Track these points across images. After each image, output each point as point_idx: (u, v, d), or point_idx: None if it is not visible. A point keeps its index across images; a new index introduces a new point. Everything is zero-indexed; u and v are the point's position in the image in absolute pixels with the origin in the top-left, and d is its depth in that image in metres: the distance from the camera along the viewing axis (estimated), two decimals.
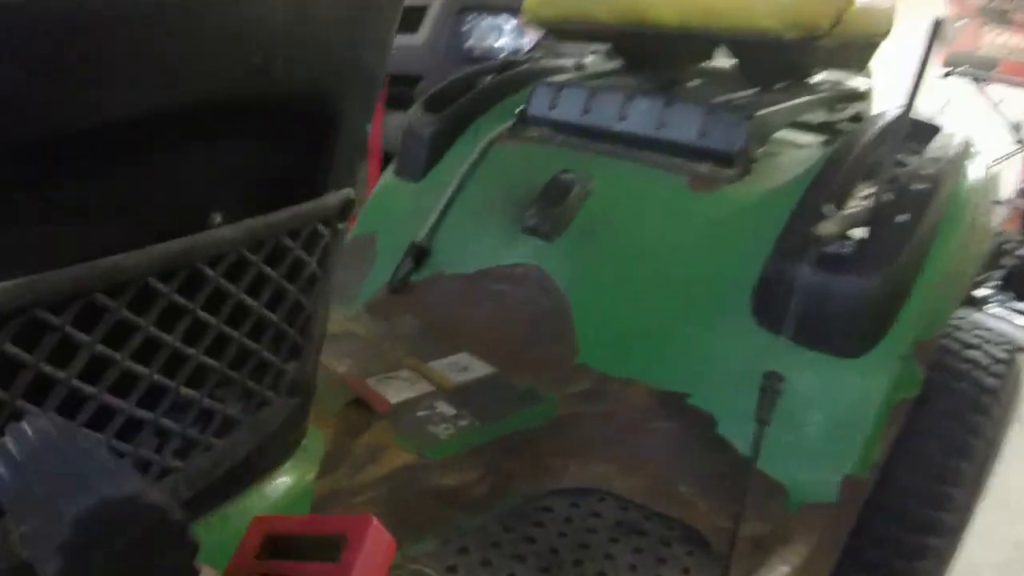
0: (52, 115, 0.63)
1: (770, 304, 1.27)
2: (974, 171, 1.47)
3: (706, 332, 1.33)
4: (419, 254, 1.64)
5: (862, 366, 1.24)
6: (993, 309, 4.46)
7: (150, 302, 0.75)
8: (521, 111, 1.78)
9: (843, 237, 1.26)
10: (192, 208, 0.79)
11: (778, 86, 1.70)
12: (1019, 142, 4.47)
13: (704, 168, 1.51)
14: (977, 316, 1.64)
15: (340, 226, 0.96)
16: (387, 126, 3.90)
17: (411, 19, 4.17)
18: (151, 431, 0.84)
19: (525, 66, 1.99)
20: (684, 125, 1.55)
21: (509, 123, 1.78)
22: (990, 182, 1.52)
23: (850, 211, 1.28)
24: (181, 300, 0.78)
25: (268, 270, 0.87)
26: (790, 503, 1.19)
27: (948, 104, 4.66)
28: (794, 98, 1.65)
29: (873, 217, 1.28)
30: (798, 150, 1.61)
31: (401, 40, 4.09)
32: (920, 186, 1.32)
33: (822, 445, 1.22)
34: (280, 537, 0.76)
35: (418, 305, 1.55)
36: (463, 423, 1.22)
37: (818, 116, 1.72)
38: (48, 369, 0.70)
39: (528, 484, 1.17)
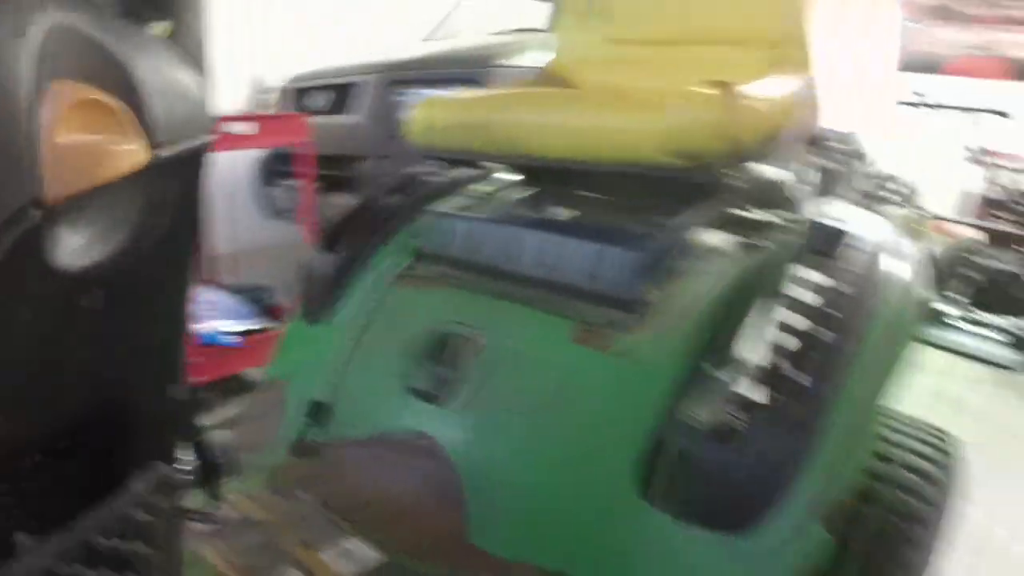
0: None
1: (655, 478, 1.23)
2: (894, 272, 1.42)
3: (591, 508, 1.28)
4: (319, 411, 1.60)
5: (755, 545, 1.17)
6: (962, 325, 4.47)
7: None
8: (416, 248, 1.74)
9: (731, 401, 1.22)
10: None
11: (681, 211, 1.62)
12: (970, 157, 4.48)
13: (597, 314, 1.45)
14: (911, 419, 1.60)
15: (164, 504, 0.93)
16: (327, 209, 3.88)
17: (338, 99, 4.15)
18: None
19: (428, 186, 1.94)
20: (575, 265, 1.49)
21: (406, 261, 1.74)
22: (913, 286, 1.47)
23: (740, 379, 1.23)
24: None
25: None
26: None
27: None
28: (695, 214, 1.57)
29: (768, 373, 1.23)
30: (700, 296, 1.49)
31: (336, 121, 4.07)
32: (825, 335, 1.26)
33: None
34: None
35: (317, 475, 1.52)
36: None
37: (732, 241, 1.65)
38: None
39: None
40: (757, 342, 1.29)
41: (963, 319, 4.57)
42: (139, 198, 0.81)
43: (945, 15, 9.47)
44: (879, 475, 1.43)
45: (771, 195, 1.72)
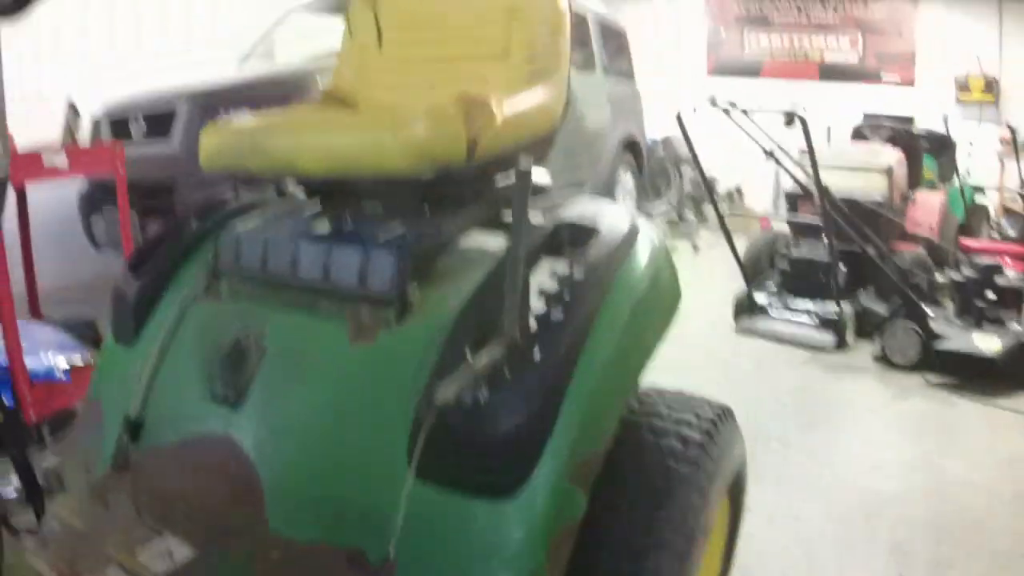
0: None
1: (419, 452, 1.35)
2: (641, 256, 1.61)
3: (372, 485, 1.42)
4: (132, 426, 1.70)
5: (512, 507, 1.32)
6: (774, 312, 4.82)
7: None
8: (212, 264, 1.84)
9: (477, 379, 1.34)
10: None
11: (450, 199, 1.79)
12: (768, 153, 4.81)
13: (367, 313, 1.59)
14: (678, 393, 1.77)
15: None
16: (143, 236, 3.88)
17: (153, 126, 4.15)
18: None
19: (224, 209, 2.04)
20: (346, 269, 1.62)
21: (203, 278, 1.84)
22: (659, 270, 1.66)
23: (483, 358, 1.36)
24: None
25: None
26: None
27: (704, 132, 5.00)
28: (458, 217, 1.76)
29: (509, 353, 1.37)
30: (459, 288, 1.62)
31: (156, 148, 4.07)
32: (559, 313, 1.42)
33: None
34: None
35: (134, 485, 1.62)
36: None
37: (497, 234, 1.83)
38: None
39: None
40: (507, 326, 1.41)
41: (779, 307, 4.90)
42: None
43: (763, 24, 10.12)
44: (639, 441, 1.59)
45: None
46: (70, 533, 1.53)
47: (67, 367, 3.03)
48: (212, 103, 3.91)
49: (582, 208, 1.79)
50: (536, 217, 1.76)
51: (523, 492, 1.33)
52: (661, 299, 1.70)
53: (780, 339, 4.70)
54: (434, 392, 1.33)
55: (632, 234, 1.69)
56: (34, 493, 1.56)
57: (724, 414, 1.73)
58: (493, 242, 1.82)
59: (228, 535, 1.47)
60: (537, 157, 1.89)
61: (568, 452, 1.36)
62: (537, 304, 1.46)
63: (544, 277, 1.55)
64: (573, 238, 1.67)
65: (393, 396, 1.47)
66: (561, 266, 1.56)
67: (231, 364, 1.63)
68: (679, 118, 4.78)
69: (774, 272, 5.21)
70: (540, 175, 1.99)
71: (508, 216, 1.87)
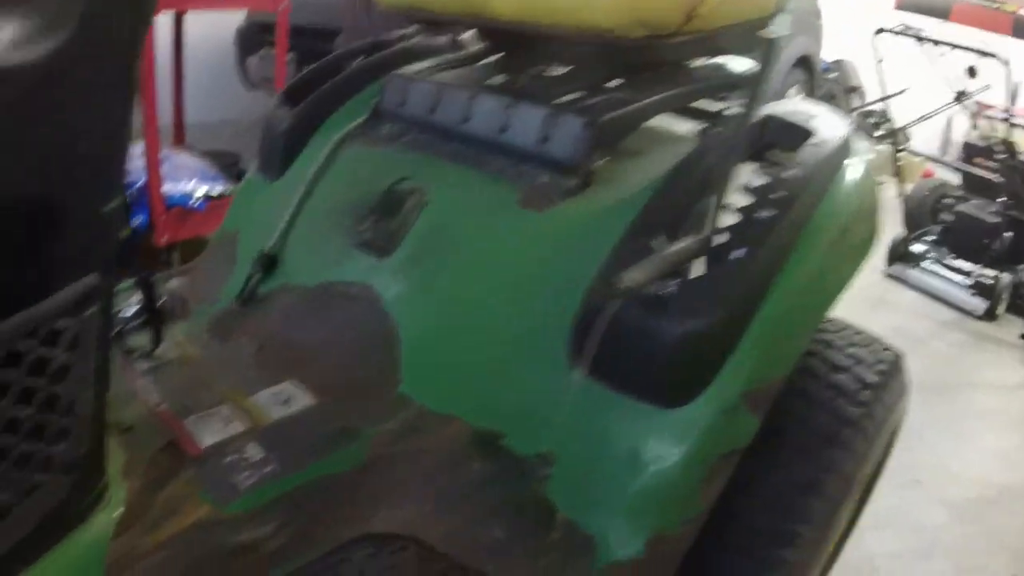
0: None
1: (586, 345, 1.23)
2: (850, 179, 1.41)
3: (524, 369, 1.29)
4: (268, 263, 1.61)
5: (680, 418, 1.19)
6: (928, 265, 4.51)
7: None
8: (375, 105, 1.72)
9: (665, 276, 1.20)
10: None
11: (646, 76, 1.62)
12: (958, 96, 4.43)
13: (543, 179, 1.44)
14: (854, 328, 1.59)
15: (89, 313, 0.93)
16: None
17: None
18: None
19: (393, 49, 1.92)
20: (526, 129, 1.48)
21: (362, 118, 1.72)
22: (866, 186, 1.46)
23: (676, 248, 1.22)
24: None
25: (5, 376, 0.84)
26: (596, 560, 1.18)
27: (882, 61, 4.63)
28: (654, 94, 1.56)
29: (703, 249, 1.22)
30: (659, 151, 1.51)
31: None
32: (765, 212, 1.26)
33: (632, 500, 1.19)
34: None
35: (259, 322, 1.52)
36: (268, 469, 1.19)
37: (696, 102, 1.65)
38: None
39: (330, 532, 1.17)
40: (700, 220, 1.28)
41: (935, 260, 4.60)
42: None
43: None
44: (813, 371, 1.44)
45: (730, 83, 1.72)
46: (185, 363, 1.44)
47: (204, 196, 3.00)
48: None
49: (794, 107, 1.58)
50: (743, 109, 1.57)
51: (694, 405, 1.20)
52: (862, 229, 1.48)
53: (928, 293, 4.49)
54: (614, 276, 1.18)
55: (847, 147, 1.48)
56: (154, 316, 1.48)
57: (898, 361, 1.54)
58: (687, 127, 1.63)
59: (353, 390, 1.36)
60: (748, 46, 1.69)
61: (749, 372, 1.22)
62: (742, 201, 1.28)
63: (750, 174, 1.37)
64: (784, 137, 1.48)
65: (561, 273, 1.32)
66: (770, 165, 1.38)
67: (385, 212, 1.50)
68: (879, 33, 4.43)
69: (935, 224, 4.87)
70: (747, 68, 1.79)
71: (706, 104, 1.69)
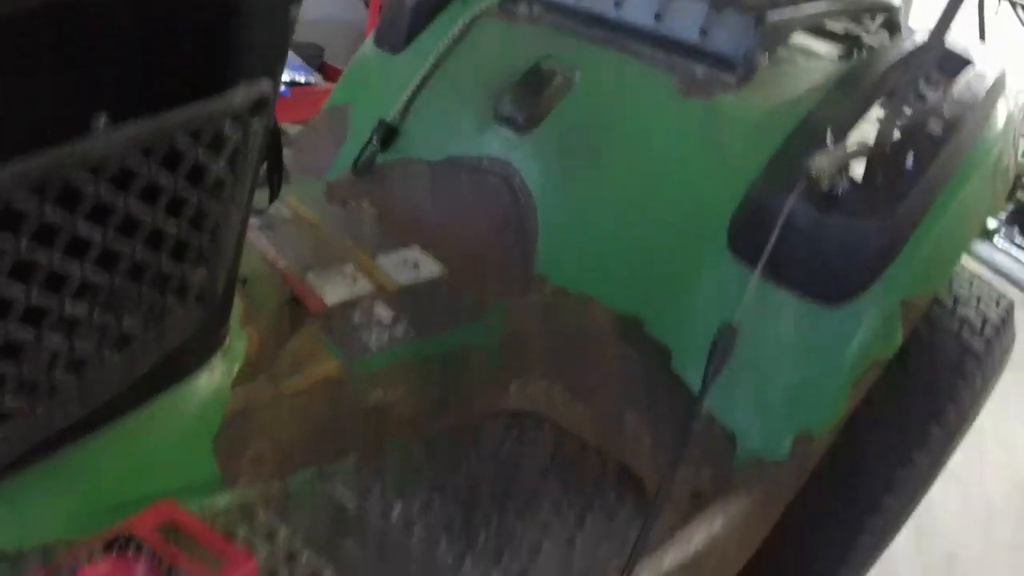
0: None
1: (748, 235, 1.16)
2: (1003, 116, 1.35)
3: (675, 256, 1.23)
4: (387, 134, 1.53)
5: (839, 318, 1.14)
6: (999, 242, 4.39)
7: (19, 221, 0.66)
8: None
9: (838, 170, 1.14)
10: (68, 111, 0.69)
11: None
12: None
13: (701, 71, 1.37)
14: (974, 268, 1.56)
15: (255, 124, 0.86)
16: None
17: None
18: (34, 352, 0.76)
19: None
20: (686, 20, 1.40)
21: None
22: (1010, 125, 1.39)
23: (852, 145, 1.16)
24: (55, 217, 0.69)
25: (162, 178, 0.77)
26: (737, 456, 1.13)
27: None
28: (811, 3, 1.48)
29: (877, 155, 1.16)
30: (810, 62, 1.46)
31: None
32: (937, 128, 1.20)
33: (781, 395, 1.14)
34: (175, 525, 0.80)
35: (379, 190, 1.45)
36: (399, 333, 1.13)
37: (839, 25, 1.57)
38: None
39: (462, 404, 1.10)
40: (863, 128, 1.23)
41: (1006, 237, 4.50)
42: None
43: None
44: (940, 301, 1.40)
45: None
46: (301, 222, 1.36)
47: (289, 83, 2.93)
48: None
49: (952, 38, 1.50)
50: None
51: (852, 305, 1.14)
52: (1007, 164, 1.41)
53: (993, 270, 4.29)
54: (791, 166, 1.12)
55: (1003, 81, 1.41)
56: (276, 165, 1.40)
57: (1012, 307, 1.51)
58: (848, 30, 1.56)
59: (485, 263, 1.28)
60: None
61: (908, 280, 1.16)
62: (907, 115, 1.22)
63: (917, 93, 1.32)
64: (947, 63, 1.40)
65: (722, 164, 1.25)
66: (935, 89, 1.32)
67: (529, 88, 1.41)
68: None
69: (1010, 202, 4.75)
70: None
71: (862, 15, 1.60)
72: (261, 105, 0.84)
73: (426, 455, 1.03)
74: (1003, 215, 4.62)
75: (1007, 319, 1.44)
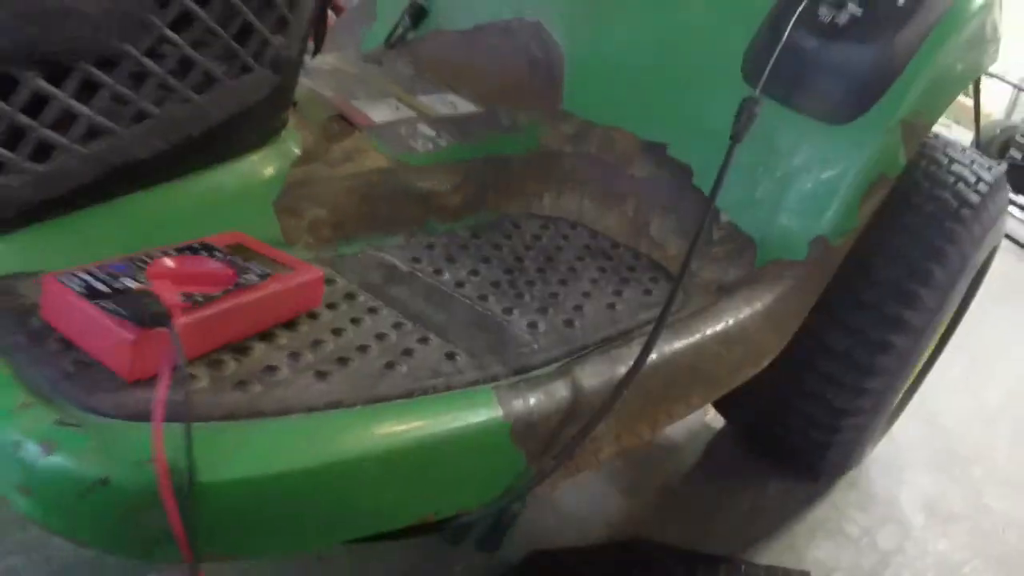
0: None
1: (762, 63, 1.25)
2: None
3: (694, 86, 1.33)
4: (416, 11, 1.60)
5: (846, 134, 1.25)
6: None
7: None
8: None
9: (840, 3, 1.26)
10: None
11: None
12: None
13: None
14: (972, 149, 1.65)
15: None
16: None
17: None
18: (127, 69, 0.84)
19: None
20: None
21: None
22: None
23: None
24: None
25: None
26: (758, 258, 1.21)
27: None
28: None
29: None
30: None
31: None
32: None
33: (797, 204, 1.23)
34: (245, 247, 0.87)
35: (412, 55, 1.53)
36: (442, 141, 1.22)
37: None
38: None
39: (502, 204, 1.18)
40: None
41: None
42: None
43: None
44: (936, 160, 1.49)
45: None
46: (342, 71, 1.43)
47: None
48: None
49: None
50: None
51: (859, 123, 1.25)
52: (992, 31, 1.51)
53: None
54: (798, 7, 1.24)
55: None
56: (320, 21, 1.47)
57: (1004, 175, 1.59)
58: None
59: (518, 102, 1.36)
60: None
61: (907, 102, 1.27)
62: None
63: None
64: None
65: (734, 5, 1.35)
66: None
67: None
68: None
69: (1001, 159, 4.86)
70: None
71: None
72: None
73: (471, 236, 1.10)
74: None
75: (999, 182, 1.53)
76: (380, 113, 1.26)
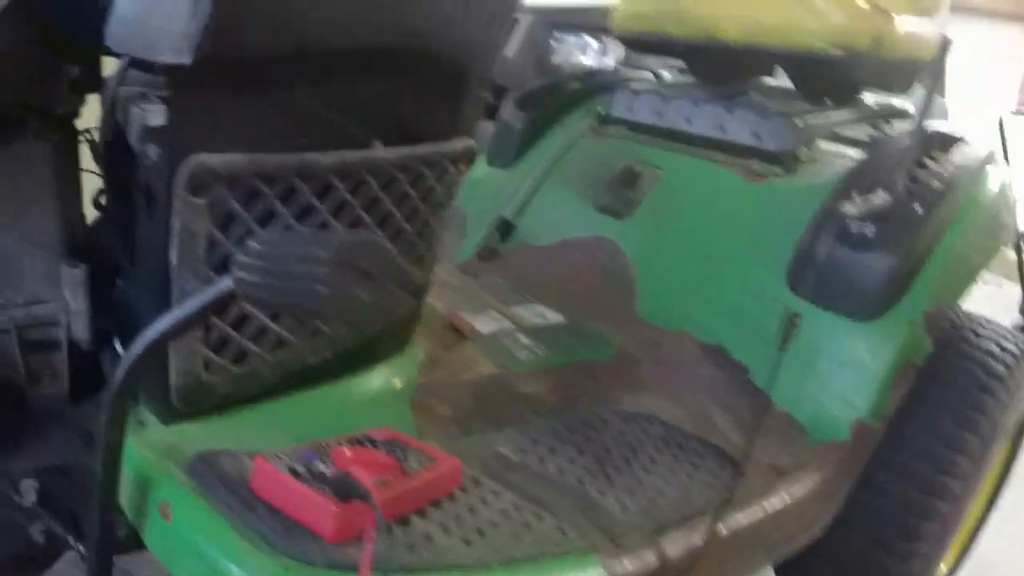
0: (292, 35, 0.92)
1: (802, 274, 1.52)
2: (992, 178, 1.70)
3: (746, 295, 1.58)
4: (505, 227, 1.91)
5: (876, 328, 1.47)
6: None
7: (327, 193, 1.03)
8: (603, 112, 2.05)
9: (865, 220, 1.49)
10: (361, 131, 1.07)
11: (827, 102, 1.99)
12: None
13: (756, 164, 1.77)
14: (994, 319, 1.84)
15: (461, 169, 1.23)
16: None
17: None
18: None
19: (609, 75, 2.26)
20: (741, 128, 1.82)
21: (592, 121, 2.04)
22: (1005, 188, 1.75)
23: (875, 199, 1.52)
24: (349, 196, 1.05)
25: (410, 189, 1.14)
26: (808, 439, 1.42)
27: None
28: (839, 113, 1.93)
29: (892, 206, 1.51)
30: (838, 158, 1.83)
31: None
32: (936, 184, 1.56)
33: (838, 392, 1.44)
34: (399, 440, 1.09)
35: (502, 269, 1.81)
36: (539, 351, 1.48)
37: (861, 131, 1.96)
38: (255, 227, 0.98)
39: (589, 403, 1.41)
40: (881, 194, 1.56)
41: None
42: None
43: None
44: (966, 340, 1.67)
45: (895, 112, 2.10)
46: (445, 284, 1.70)
47: None
48: (554, 21, 4.07)
49: (949, 125, 1.90)
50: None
51: (885, 319, 1.47)
52: (1005, 218, 1.76)
53: None
54: (829, 226, 1.50)
55: (992, 155, 1.78)
56: None
57: None
58: (867, 132, 1.97)
59: (597, 312, 1.63)
60: (907, 83, 2.00)
61: (927, 295, 1.49)
62: (918, 172, 1.58)
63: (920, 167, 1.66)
64: (944, 143, 1.76)
65: (776, 227, 1.62)
66: (933, 162, 1.67)
67: (623, 184, 1.83)
68: (1001, 124, 4.61)
69: None
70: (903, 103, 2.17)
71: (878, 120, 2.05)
72: (468, 154, 1.22)
73: (567, 431, 1.33)
74: None
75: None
76: (483, 324, 1.53)
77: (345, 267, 0.73)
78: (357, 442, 1.07)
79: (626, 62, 2.69)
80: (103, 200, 1.30)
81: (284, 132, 1.00)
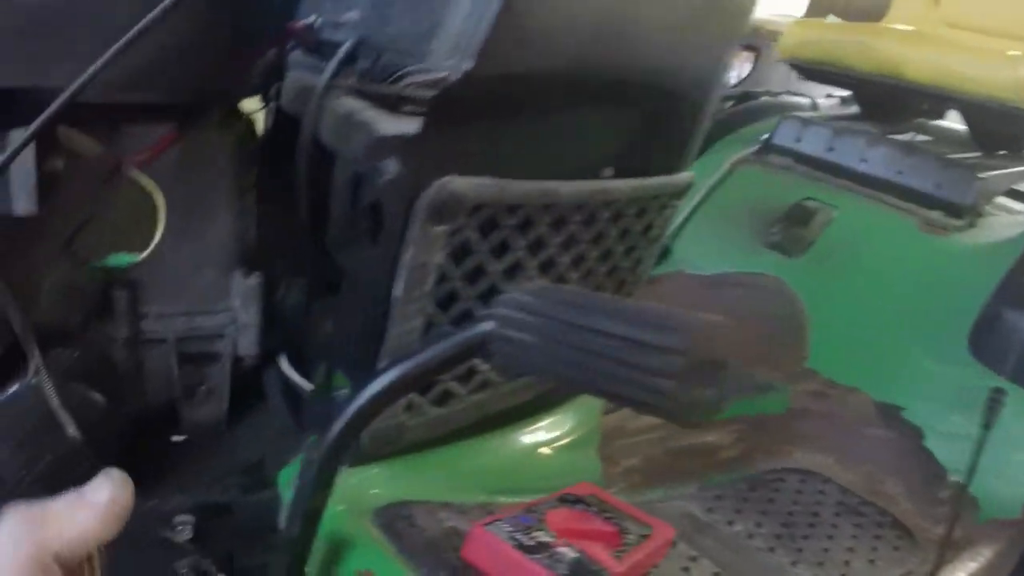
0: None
1: (987, 342, 1.48)
2: None
3: (925, 356, 1.54)
4: (662, 252, 1.88)
5: None
6: None
7: (560, 226, 1.01)
8: (766, 139, 2.01)
9: None
10: (595, 161, 1.04)
11: (1000, 153, 1.93)
12: None
13: (935, 215, 1.73)
14: None
15: (677, 204, 1.20)
16: None
17: None
18: None
19: (764, 99, 2.21)
20: (921, 174, 1.77)
21: (753, 148, 2.00)
22: None
23: None
24: (580, 230, 1.03)
25: (634, 223, 1.12)
26: (980, 515, 1.40)
27: None
28: (1018, 166, 1.85)
29: None
30: (1013, 215, 1.81)
31: None
32: None
33: (1012, 468, 1.41)
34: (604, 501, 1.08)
35: (657, 296, 1.79)
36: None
37: None
38: (486, 259, 0.95)
39: (764, 458, 1.40)
40: None
41: None
42: None
43: None
44: None
45: None
46: None
47: None
48: None
49: None
50: None
51: None
52: None
53: None
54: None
55: None
56: None
57: None
58: None
59: (765, 355, 1.60)
60: None
61: None
62: None
63: None
64: None
65: (958, 285, 1.59)
66: None
67: (794, 220, 1.79)
68: None
69: None
70: None
71: None
72: (685, 190, 1.19)
73: (748, 490, 1.32)
74: None
75: None
76: None
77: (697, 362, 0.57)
78: (563, 501, 1.07)
79: (754, 81, 2.63)
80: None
81: (522, 158, 0.93)
